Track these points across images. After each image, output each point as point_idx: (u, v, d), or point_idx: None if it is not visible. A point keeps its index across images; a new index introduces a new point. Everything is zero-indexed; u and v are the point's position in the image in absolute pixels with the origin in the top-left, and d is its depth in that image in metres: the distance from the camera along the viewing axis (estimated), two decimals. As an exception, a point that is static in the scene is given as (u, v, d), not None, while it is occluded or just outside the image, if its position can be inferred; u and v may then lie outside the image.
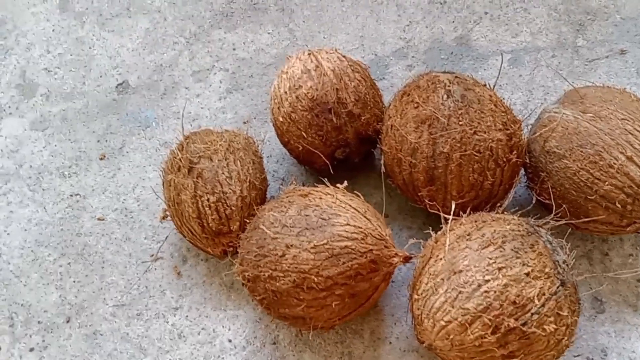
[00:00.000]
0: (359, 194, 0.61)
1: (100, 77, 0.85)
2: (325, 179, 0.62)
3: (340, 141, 0.66)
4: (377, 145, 0.67)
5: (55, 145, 0.80)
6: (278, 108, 0.67)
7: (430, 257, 0.56)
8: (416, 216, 0.71)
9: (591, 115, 0.59)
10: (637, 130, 0.57)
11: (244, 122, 0.79)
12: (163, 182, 0.66)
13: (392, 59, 0.83)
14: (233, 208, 0.61)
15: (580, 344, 0.62)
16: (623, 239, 0.67)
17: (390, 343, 0.64)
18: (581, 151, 0.58)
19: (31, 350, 0.67)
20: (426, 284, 0.54)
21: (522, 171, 0.65)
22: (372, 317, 0.65)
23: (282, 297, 0.55)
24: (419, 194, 0.62)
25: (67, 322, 0.68)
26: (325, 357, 0.63)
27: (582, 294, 0.64)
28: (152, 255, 0.71)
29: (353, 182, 0.71)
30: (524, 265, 0.51)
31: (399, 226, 0.71)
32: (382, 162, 0.65)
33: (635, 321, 0.63)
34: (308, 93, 0.64)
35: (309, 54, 0.67)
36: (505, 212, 0.58)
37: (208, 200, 0.61)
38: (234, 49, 0.85)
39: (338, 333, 0.65)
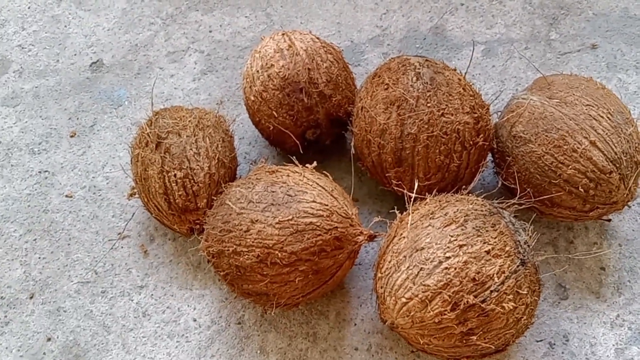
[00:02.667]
0: (328, 174, 0.61)
1: (75, 55, 0.84)
2: (295, 158, 0.62)
3: (311, 122, 0.66)
4: (348, 128, 0.67)
5: (26, 122, 0.79)
6: (250, 87, 0.67)
7: (395, 236, 0.56)
8: (386, 200, 0.71)
9: (557, 100, 0.60)
10: (601, 116, 0.58)
11: (217, 104, 0.79)
12: (131, 158, 0.65)
13: (367, 46, 0.83)
14: (200, 184, 0.61)
15: (543, 329, 0.63)
16: (588, 228, 0.68)
17: (355, 324, 0.64)
18: (546, 135, 0.59)
19: (-7, 325, 0.66)
20: (389, 261, 0.55)
21: (490, 157, 0.66)
22: (338, 298, 0.65)
23: (246, 273, 0.55)
24: (387, 175, 0.62)
25: (31, 298, 0.67)
26: (290, 338, 0.63)
27: (547, 281, 0.65)
28: (119, 234, 0.70)
29: (324, 166, 0.72)
30: (484, 243, 0.51)
31: (369, 210, 0.71)
32: (352, 144, 0.66)
33: (597, 308, 0.64)
34: (280, 72, 0.64)
35: (283, 34, 0.67)
36: (470, 194, 0.58)
37: (175, 176, 0.61)
38: (210, 32, 0.85)
39: (303, 314, 0.65)
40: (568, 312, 0.64)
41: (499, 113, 0.68)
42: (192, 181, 0.61)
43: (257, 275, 0.55)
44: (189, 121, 0.63)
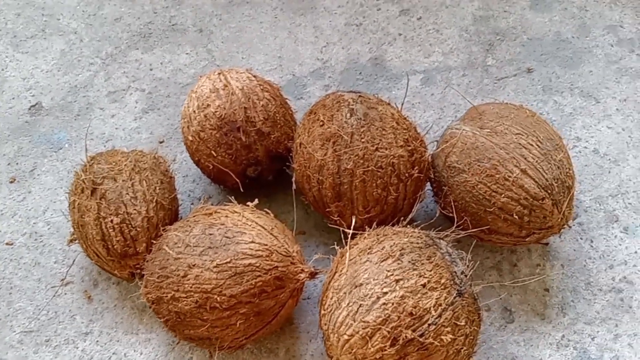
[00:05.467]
0: (269, 212, 0.61)
1: (13, 98, 0.83)
2: (233, 197, 0.62)
3: (251, 159, 0.66)
4: (289, 164, 0.67)
5: (-37, 169, 0.77)
6: (187, 127, 0.67)
7: (335, 272, 0.56)
8: (333, 232, 0.71)
9: (488, 130, 0.61)
10: (531, 144, 0.60)
11: (160, 142, 0.79)
12: (69, 205, 0.64)
13: (309, 79, 0.84)
14: (138, 229, 0.61)
15: (491, 354, 0.64)
16: (531, 250, 0.70)
17: (305, 360, 0.64)
18: (479, 165, 0.60)
19: None
20: (331, 298, 0.55)
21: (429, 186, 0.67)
22: (287, 334, 0.65)
23: (186, 318, 0.55)
24: (328, 210, 0.62)
25: (-30, 352, 0.65)
26: (239, 378, 0.63)
27: (492, 305, 0.65)
28: (62, 280, 0.69)
29: (270, 200, 0.72)
30: (420, 276, 0.52)
31: (316, 242, 0.71)
32: (293, 179, 0.66)
33: (542, 329, 0.65)
34: (216, 112, 0.65)
35: (219, 73, 0.68)
36: (409, 226, 0.59)
37: (112, 221, 0.60)
38: (151, 69, 0.85)
39: (253, 352, 0.64)
40: (515, 336, 0.65)
41: (437, 142, 0.69)
42: (129, 226, 0.60)
43: (197, 320, 0.54)
44: (125, 165, 0.62)
